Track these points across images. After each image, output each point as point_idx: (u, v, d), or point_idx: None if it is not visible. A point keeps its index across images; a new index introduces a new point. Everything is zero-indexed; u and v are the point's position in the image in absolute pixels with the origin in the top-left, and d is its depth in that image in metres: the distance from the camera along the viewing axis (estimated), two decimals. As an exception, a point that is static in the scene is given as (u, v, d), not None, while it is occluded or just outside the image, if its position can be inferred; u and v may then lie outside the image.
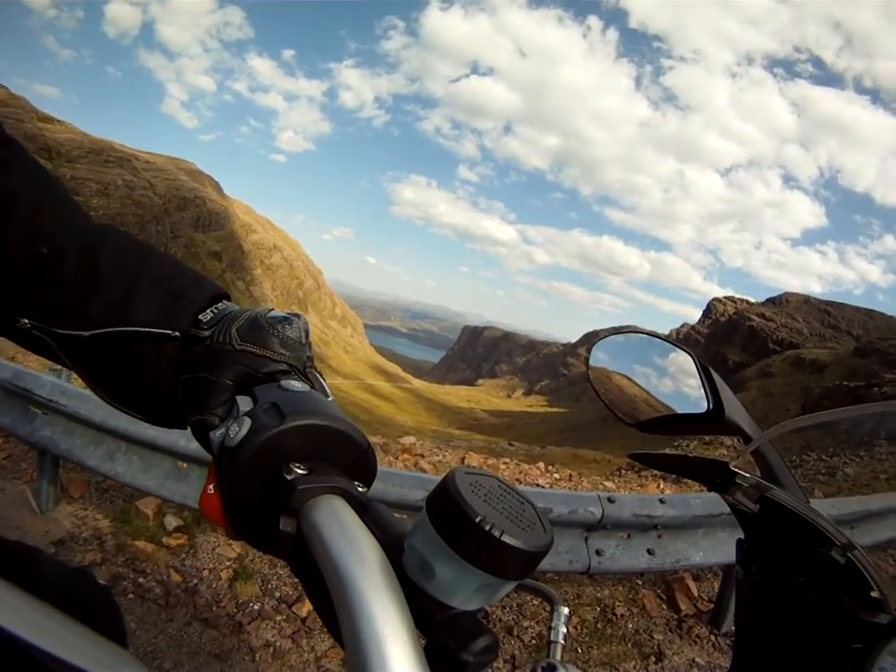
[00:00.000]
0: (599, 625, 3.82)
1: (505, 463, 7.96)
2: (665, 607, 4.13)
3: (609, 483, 7.43)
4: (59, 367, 4.08)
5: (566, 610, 0.69)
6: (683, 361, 0.95)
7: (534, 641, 3.55)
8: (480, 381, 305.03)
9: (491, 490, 0.45)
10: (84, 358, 0.69)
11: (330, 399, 0.64)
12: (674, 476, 8.62)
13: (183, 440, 3.38)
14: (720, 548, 3.79)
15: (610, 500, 3.55)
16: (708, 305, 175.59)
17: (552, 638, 0.66)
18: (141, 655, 2.83)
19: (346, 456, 0.57)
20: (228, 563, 3.66)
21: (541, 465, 7.97)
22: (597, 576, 4.09)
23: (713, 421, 0.85)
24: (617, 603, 4.03)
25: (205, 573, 3.56)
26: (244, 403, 0.61)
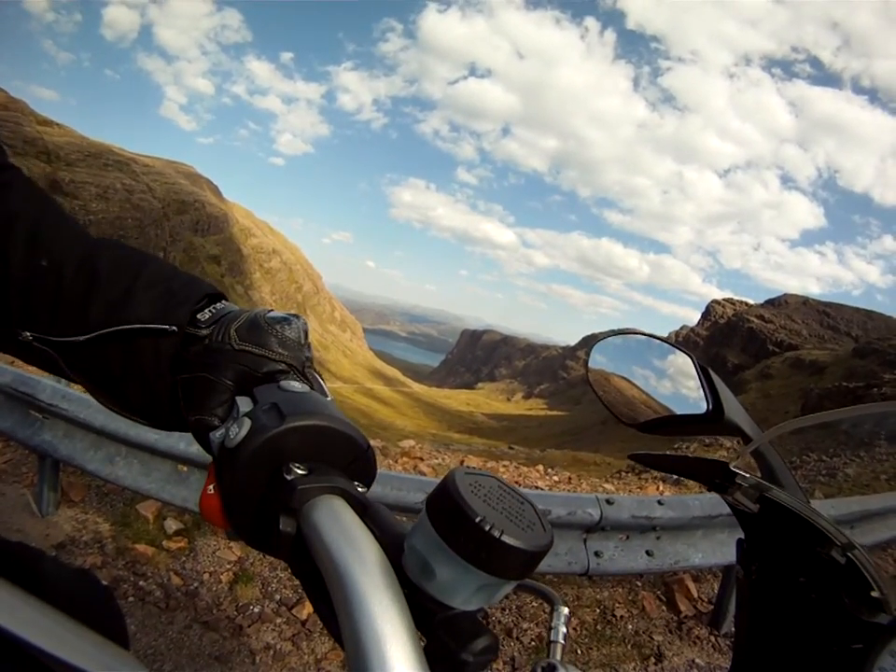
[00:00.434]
0: (599, 627, 3.82)
1: (504, 466, 7.96)
2: (664, 608, 4.13)
3: (608, 486, 7.43)
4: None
5: (566, 610, 0.69)
6: (682, 363, 0.96)
7: (533, 643, 3.55)
8: (479, 384, 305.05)
9: (491, 490, 0.45)
10: (85, 364, 0.70)
11: (329, 398, 0.64)
12: (673, 478, 8.62)
13: (183, 443, 3.38)
14: (719, 549, 3.79)
15: (609, 502, 3.55)
16: (707, 307, 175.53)
17: (552, 638, 0.66)
18: (142, 658, 2.83)
19: (346, 457, 0.57)
20: (228, 566, 3.66)
21: (540, 468, 7.98)
22: (596, 577, 4.09)
23: (713, 422, 0.85)
24: (616, 604, 4.03)
25: (206, 576, 3.56)
26: (243, 404, 0.61)
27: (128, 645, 0.79)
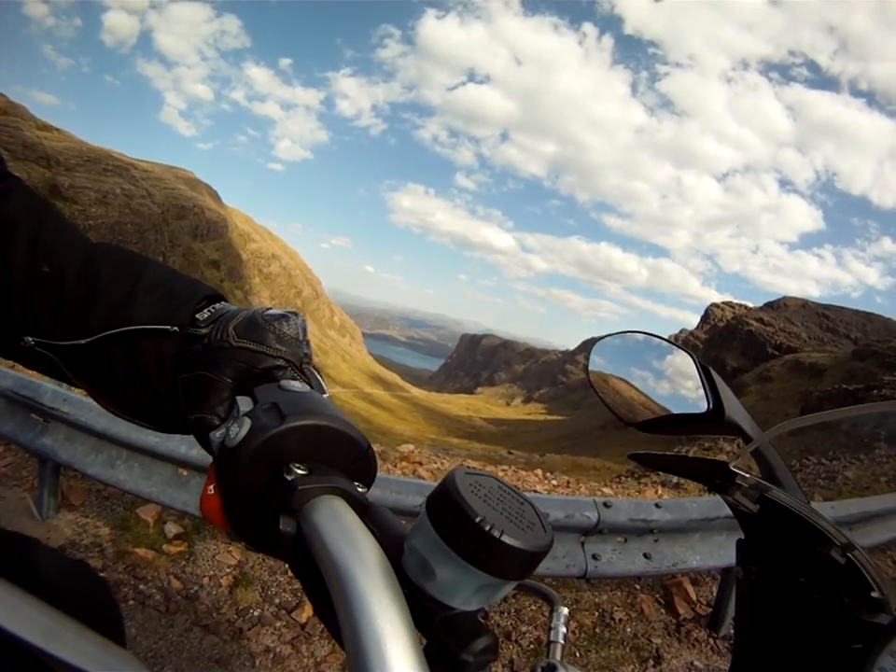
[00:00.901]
0: (597, 630, 3.81)
1: (503, 470, 7.95)
2: (663, 611, 4.12)
3: (607, 490, 7.42)
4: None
5: (565, 611, 0.69)
6: (682, 362, 0.96)
7: (532, 646, 3.54)
8: (478, 389, 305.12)
9: (491, 490, 0.46)
10: (87, 367, 0.70)
11: (327, 395, 0.65)
12: (673, 482, 8.61)
13: (184, 446, 3.38)
14: (717, 551, 3.79)
15: (607, 505, 3.55)
16: (707, 311, 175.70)
17: (551, 639, 0.66)
18: (142, 660, 2.83)
19: (346, 457, 0.57)
20: (228, 570, 3.66)
21: (539, 472, 7.97)
22: (595, 581, 4.09)
23: (713, 421, 0.85)
24: (615, 607, 4.03)
25: (205, 580, 3.55)
26: (244, 403, 0.61)
27: (123, 636, 0.80)
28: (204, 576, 3.59)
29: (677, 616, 4.06)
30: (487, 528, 0.41)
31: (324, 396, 0.64)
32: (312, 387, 0.66)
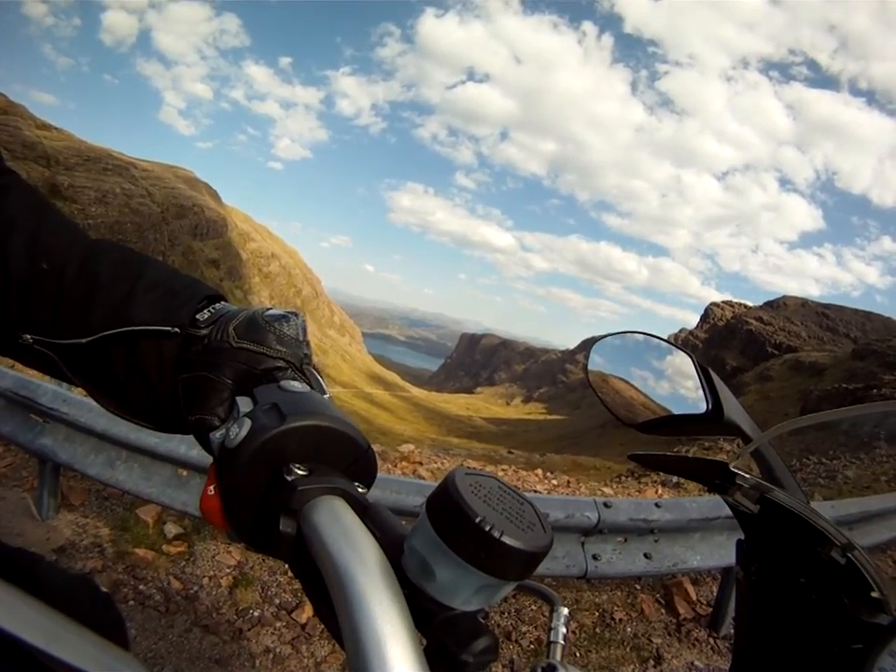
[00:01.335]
0: (598, 630, 3.81)
1: (503, 470, 7.95)
2: (663, 611, 4.12)
3: (607, 490, 7.42)
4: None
5: (565, 611, 0.69)
6: (681, 362, 0.96)
7: (532, 646, 3.55)
8: (478, 389, 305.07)
9: (491, 491, 0.46)
10: (86, 367, 0.70)
11: (327, 395, 0.65)
12: (673, 482, 8.61)
13: (183, 447, 3.38)
14: (717, 551, 3.79)
15: (607, 505, 3.55)
16: (706, 310, 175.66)
17: (551, 639, 0.66)
18: (142, 661, 2.83)
19: (346, 457, 0.57)
20: (228, 570, 3.65)
21: (539, 472, 7.97)
22: (595, 581, 4.09)
23: (713, 421, 0.85)
24: (615, 608, 4.03)
25: (205, 580, 3.55)
26: (244, 404, 0.61)
27: (127, 647, 0.79)
28: (204, 576, 3.58)
29: (677, 616, 4.06)
30: (487, 529, 0.41)
31: (324, 396, 0.64)
32: (312, 388, 0.65)
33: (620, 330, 1.09)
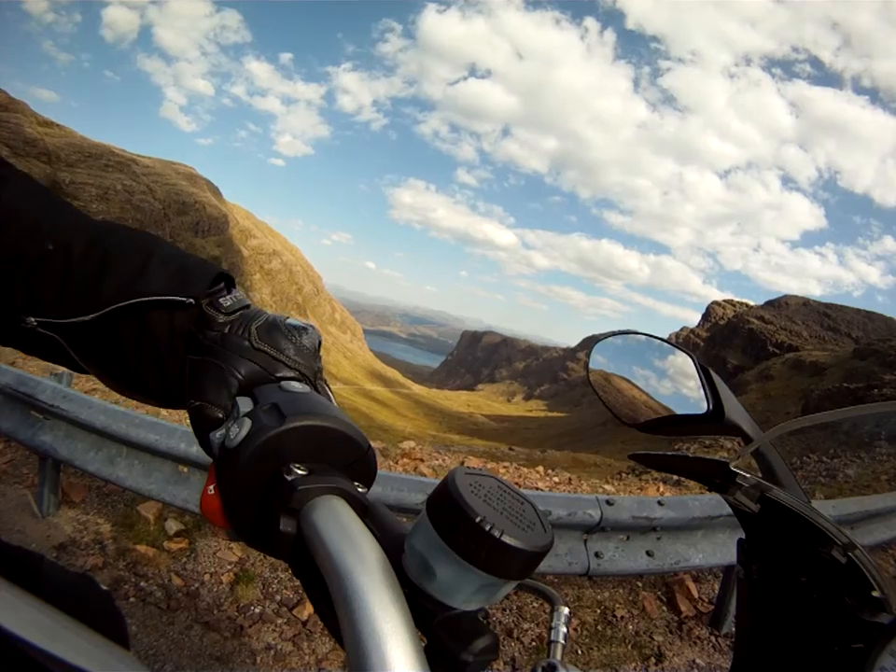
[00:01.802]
0: (599, 627, 3.81)
1: (505, 467, 7.96)
2: (665, 609, 4.13)
3: (608, 487, 7.42)
4: (60, 371, 4.09)
5: (566, 610, 0.69)
6: (682, 363, 0.96)
7: (534, 643, 3.55)
8: (479, 386, 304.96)
9: (491, 490, 0.45)
10: (93, 345, 0.69)
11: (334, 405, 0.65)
12: (674, 480, 8.61)
13: (183, 443, 3.38)
14: (719, 549, 3.79)
15: (609, 503, 3.54)
16: (708, 308, 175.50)
17: (552, 638, 0.66)
18: (142, 658, 2.84)
19: (346, 457, 0.57)
20: (229, 567, 3.66)
21: (541, 469, 7.97)
22: (597, 578, 4.09)
23: (713, 421, 0.85)
24: (617, 605, 4.03)
25: (206, 577, 3.56)
26: (244, 404, 0.61)
27: (129, 648, 0.79)
28: (205, 573, 3.59)
29: (679, 614, 4.06)
30: (487, 528, 0.41)
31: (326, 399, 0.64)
32: None
33: (621, 330, 1.09)
